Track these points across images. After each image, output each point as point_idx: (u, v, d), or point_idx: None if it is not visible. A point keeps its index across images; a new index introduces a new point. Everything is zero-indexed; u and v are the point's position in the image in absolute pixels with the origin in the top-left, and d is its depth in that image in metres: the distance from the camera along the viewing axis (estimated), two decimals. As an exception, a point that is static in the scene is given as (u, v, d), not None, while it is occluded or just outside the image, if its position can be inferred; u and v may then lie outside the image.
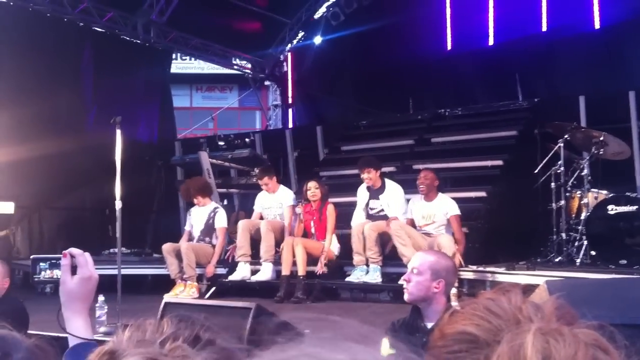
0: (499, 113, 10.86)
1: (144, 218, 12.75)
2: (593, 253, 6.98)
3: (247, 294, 7.76)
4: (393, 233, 7.40)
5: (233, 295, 7.82)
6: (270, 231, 8.15)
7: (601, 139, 7.30)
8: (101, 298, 5.95)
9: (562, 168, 7.44)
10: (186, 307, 4.62)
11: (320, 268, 7.75)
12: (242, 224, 8.40)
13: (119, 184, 6.40)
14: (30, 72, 11.09)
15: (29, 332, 4.21)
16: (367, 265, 7.61)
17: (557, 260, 7.24)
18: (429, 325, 3.29)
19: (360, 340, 0.67)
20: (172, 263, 8.34)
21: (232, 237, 8.83)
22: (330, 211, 8.02)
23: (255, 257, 8.26)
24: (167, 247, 8.50)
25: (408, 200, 8.00)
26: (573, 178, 7.46)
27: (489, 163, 9.45)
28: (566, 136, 7.48)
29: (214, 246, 8.63)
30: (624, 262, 6.68)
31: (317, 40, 15.54)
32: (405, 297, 3.45)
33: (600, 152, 7.32)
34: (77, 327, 1.85)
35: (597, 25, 11.84)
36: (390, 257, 7.66)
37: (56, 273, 2.00)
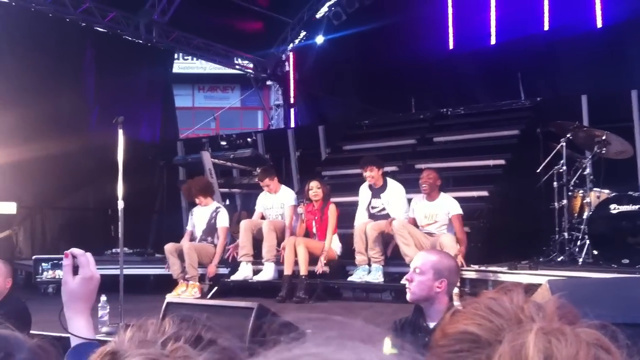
0: (501, 112, 10.84)
1: (147, 218, 12.78)
2: (595, 252, 6.97)
3: (249, 294, 7.76)
4: (396, 232, 7.39)
5: (235, 295, 7.82)
6: (272, 231, 8.16)
7: (603, 138, 7.29)
8: (103, 298, 5.97)
9: (564, 167, 7.43)
10: (188, 307, 4.62)
11: (320, 268, 7.74)
12: (244, 224, 8.40)
13: (121, 184, 6.40)
14: (33, 73, 11.10)
15: (31, 332, 4.22)
16: (369, 264, 7.61)
17: (559, 259, 7.23)
18: (431, 324, 3.29)
19: (363, 340, 0.67)
20: (174, 263, 8.35)
21: (235, 236, 8.84)
22: (332, 211, 8.02)
23: (257, 257, 8.26)
24: (169, 247, 8.51)
25: (410, 199, 8.00)
26: (575, 177, 7.46)
27: (491, 162, 9.43)
28: (568, 135, 7.47)
29: (216, 246, 8.64)
30: (626, 261, 6.67)
31: (319, 39, 15.54)
32: (408, 296, 3.45)
33: (603, 151, 7.31)
34: (78, 327, 1.85)
35: (599, 25, 11.83)
36: (392, 256, 7.66)
37: (58, 273, 2.00)
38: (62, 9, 11.78)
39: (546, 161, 7.63)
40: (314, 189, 8.08)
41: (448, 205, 7.63)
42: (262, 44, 15.66)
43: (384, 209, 7.95)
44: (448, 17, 13.57)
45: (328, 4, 15.02)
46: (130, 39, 13.20)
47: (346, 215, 8.33)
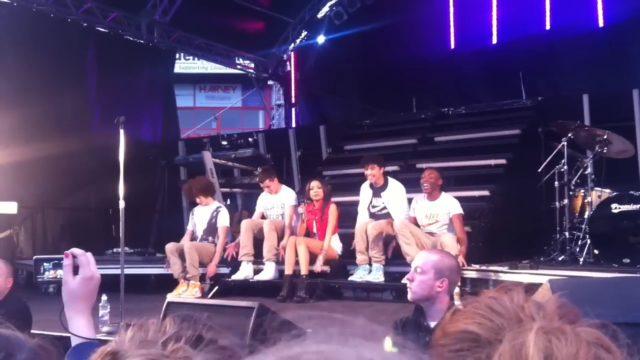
0: (503, 112, 10.84)
1: (148, 218, 12.79)
2: (596, 252, 6.96)
3: (249, 294, 7.76)
4: (397, 232, 7.39)
5: (236, 294, 7.82)
6: (273, 231, 8.16)
7: (605, 137, 7.28)
8: (104, 297, 5.97)
9: (565, 167, 7.43)
10: (189, 307, 4.62)
11: (318, 267, 7.73)
12: (245, 224, 8.40)
13: (123, 184, 6.41)
14: (34, 73, 11.10)
15: (32, 331, 4.22)
16: (370, 264, 7.60)
17: (560, 259, 7.23)
18: (432, 324, 3.29)
19: (365, 338, 0.67)
20: (175, 263, 8.34)
21: (236, 236, 8.83)
22: (332, 211, 8.01)
23: (258, 257, 8.26)
24: (170, 246, 8.51)
25: (410, 199, 7.99)
26: (576, 177, 7.45)
27: (492, 162, 9.43)
28: (570, 135, 7.46)
29: (216, 245, 8.63)
30: (627, 260, 6.67)
31: (320, 39, 15.54)
32: (409, 296, 3.45)
33: (604, 151, 7.31)
34: (79, 327, 1.85)
35: (600, 24, 11.82)
36: (393, 256, 7.66)
37: (59, 273, 2.00)
38: (64, 9, 11.79)
39: (547, 160, 7.62)
40: (315, 188, 8.08)
41: (449, 204, 7.63)
42: (263, 44, 15.66)
43: (384, 208, 7.95)
44: (449, 16, 13.57)
45: (329, 3, 15.02)
46: (131, 39, 13.21)
47: (347, 215, 8.33)
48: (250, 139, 11.33)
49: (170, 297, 7.05)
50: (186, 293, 8.08)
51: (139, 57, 13.39)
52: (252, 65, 16.41)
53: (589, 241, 7.06)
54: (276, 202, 8.61)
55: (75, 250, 1.90)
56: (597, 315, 0.87)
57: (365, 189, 8.16)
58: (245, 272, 8.17)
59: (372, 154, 8.52)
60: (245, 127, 20.75)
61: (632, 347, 0.84)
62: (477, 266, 7.45)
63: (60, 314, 1.89)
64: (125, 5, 12.63)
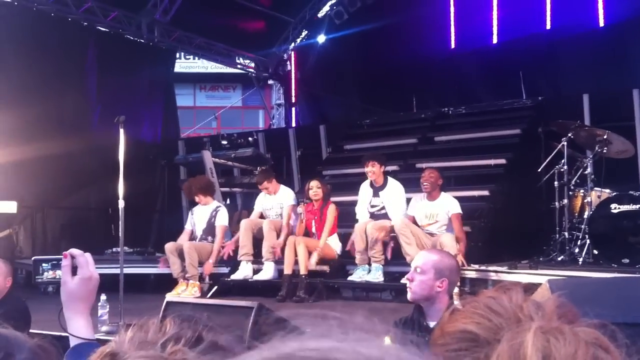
0: (503, 112, 10.84)
1: (147, 217, 12.79)
2: (596, 252, 6.96)
3: (249, 293, 7.75)
4: (398, 231, 7.38)
5: (235, 294, 7.81)
6: (272, 230, 8.16)
7: (605, 137, 7.28)
8: (103, 297, 5.96)
9: (565, 167, 7.43)
10: (188, 306, 4.62)
11: (313, 264, 7.71)
12: (244, 223, 8.40)
13: (122, 183, 6.40)
14: (35, 72, 11.10)
15: (31, 331, 4.23)
16: (370, 264, 7.60)
17: (559, 259, 7.22)
18: (432, 324, 3.28)
19: (364, 337, 0.67)
20: (174, 262, 8.34)
21: (235, 234, 8.83)
22: (331, 210, 8.01)
23: (257, 257, 8.25)
24: (169, 246, 8.50)
25: (409, 199, 7.98)
26: (576, 177, 7.45)
27: (492, 162, 9.43)
28: (570, 135, 7.46)
29: (216, 245, 8.64)
30: (626, 261, 6.67)
31: (321, 39, 15.54)
32: (409, 296, 3.45)
33: (604, 151, 7.31)
34: (78, 327, 1.85)
35: (601, 24, 11.82)
36: (393, 255, 7.65)
37: (58, 274, 2.00)
38: (64, 8, 11.79)
39: (547, 160, 7.62)
40: (314, 188, 8.07)
41: (448, 204, 7.62)
42: (263, 43, 15.66)
43: (383, 208, 7.95)
44: (450, 16, 13.57)
45: (330, 3, 15.01)
46: (132, 38, 13.21)
47: (347, 215, 8.33)
48: (250, 139, 11.32)
49: (170, 296, 7.04)
50: (185, 293, 8.07)
51: (139, 56, 13.40)
52: (253, 64, 16.41)
53: (588, 241, 7.06)
54: (275, 202, 8.61)
55: (74, 251, 1.90)
56: (596, 315, 0.87)
57: (364, 189, 8.15)
58: (244, 271, 8.17)
59: (374, 152, 8.53)
60: (245, 126, 20.74)
61: (631, 347, 0.84)
62: (476, 266, 7.45)
63: (59, 314, 1.89)
64: (125, 4, 12.63)
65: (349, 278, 7.82)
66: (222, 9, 13.70)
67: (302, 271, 7.65)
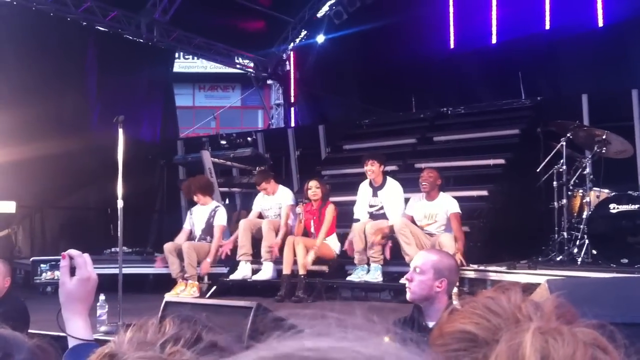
0: (502, 112, 10.84)
1: (146, 217, 12.79)
2: (594, 252, 6.97)
3: (248, 293, 7.75)
4: (398, 231, 7.37)
5: (234, 294, 7.81)
6: (271, 230, 8.15)
7: (604, 137, 7.29)
8: (102, 297, 5.97)
9: (564, 167, 7.43)
10: (187, 307, 4.62)
11: (309, 261, 7.68)
12: (243, 224, 8.39)
13: (121, 183, 6.40)
14: (34, 72, 11.11)
15: (30, 331, 4.22)
16: (369, 264, 7.60)
17: (558, 259, 7.22)
18: (431, 324, 3.29)
19: (363, 336, 0.67)
20: (173, 262, 8.33)
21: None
22: (329, 210, 8.00)
23: (256, 257, 8.25)
24: (168, 246, 8.50)
25: (408, 199, 7.98)
26: (575, 177, 7.45)
27: (491, 162, 9.43)
28: (569, 135, 7.47)
29: (216, 245, 8.63)
30: (625, 261, 6.67)
31: (320, 39, 15.54)
32: (408, 296, 3.45)
33: (603, 151, 7.31)
34: (76, 328, 1.85)
35: (600, 24, 11.83)
36: (392, 255, 7.64)
37: (56, 274, 2.00)
38: (64, 8, 11.79)
39: (546, 160, 7.63)
40: (313, 188, 8.07)
41: (447, 204, 7.61)
42: (263, 43, 15.66)
43: (382, 208, 7.95)
44: (449, 16, 13.58)
45: (329, 3, 15.02)
46: (131, 38, 13.21)
47: (346, 215, 8.32)
48: (249, 139, 11.32)
49: (168, 296, 7.04)
50: (184, 293, 8.07)
51: (138, 56, 13.40)
52: (252, 64, 16.42)
53: (587, 241, 7.06)
54: (273, 203, 8.60)
55: (72, 252, 1.90)
56: (595, 315, 0.87)
57: (363, 188, 8.15)
58: (243, 271, 8.16)
59: (374, 151, 8.54)
60: (244, 126, 20.75)
61: (630, 347, 0.84)
62: (475, 266, 7.44)
63: (58, 315, 1.89)
64: (125, 4, 12.63)
65: (348, 278, 7.81)
66: (221, 8, 13.70)
67: (301, 271, 7.65)
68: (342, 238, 8.12)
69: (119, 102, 12.02)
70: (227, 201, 10.96)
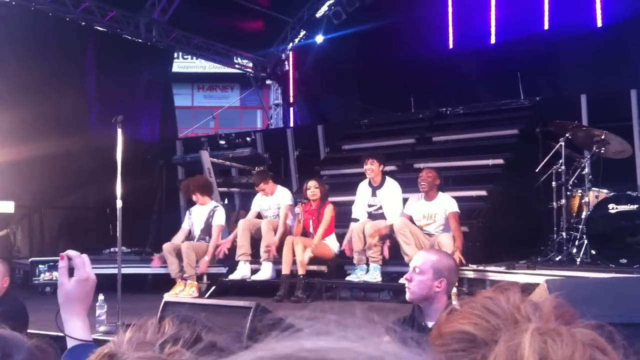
0: (501, 112, 10.84)
1: (145, 217, 12.79)
2: (593, 252, 6.97)
3: (247, 294, 7.76)
4: (397, 231, 7.37)
5: (233, 294, 7.81)
6: (270, 230, 8.15)
7: (602, 137, 7.29)
8: (101, 297, 5.96)
9: (563, 167, 7.44)
10: (186, 306, 4.62)
11: (306, 259, 7.68)
12: (242, 224, 8.39)
13: (120, 183, 6.40)
14: (33, 72, 11.10)
15: (29, 331, 4.22)
16: (368, 264, 7.60)
17: (557, 259, 7.23)
18: (430, 324, 3.29)
19: (363, 335, 0.67)
20: (172, 262, 8.34)
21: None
22: (328, 210, 8.00)
23: (255, 257, 8.25)
24: (167, 246, 8.50)
25: (406, 199, 7.97)
26: (574, 177, 7.46)
27: (490, 162, 9.42)
28: (567, 135, 7.48)
29: (214, 245, 8.63)
30: (624, 261, 6.68)
31: (319, 39, 15.54)
32: (407, 296, 3.45)
33: (602, 151, 7.31)
34: (75, 329, 1.85)
35: (599, 24, 11.84)
36: (391, 255, 7.64)
37: (55, 275, 2.00)
38: (63, 8, 11.78)
39: (545, 161, 7.63)
40: (312, 188, 8.07)
41: (446, 203, 7.61)
42: (262, 43, 15.66)
43: (380, 208, 7.95)
44: (448, 16, 13.58)
45: (328, 3, 15.01)
46: (130, 38, 13.20)
47: (345, 215, 8.32)
48: (248, 139, 11.32)
49: (168, 296, 7.04)
50: (183, 293, 8.07)
51: (137, 56, 13.39)
52: (251, 64, 16.41)
53: (586, 241, 7.07)
54: (272, 203, 8.60)
55: (71, 252, 1.90)
56: (594, 315, 0.86)
57: (362, 188, 8.15)
58: (242, 271, 8.16)
59: (374, 151, 8.54)
60: (243, 126, 20.75)
61: (628, 348, 0.84)
62: (474, 266, 7.44)
63: (56, 315, 1.89)
64: (123, 4, 12.62)
65: (347, 278, 7.82)
66: (220, 8, 13.70)
67: (300, 271, 7.65)
68: (341, 238, 8.12)
69: (118, 102, 12.01)
70: (226, 201, 10.96)
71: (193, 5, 13.23)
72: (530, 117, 9.92)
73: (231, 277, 8.21)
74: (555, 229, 7.45)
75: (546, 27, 12.40)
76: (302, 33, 15.79)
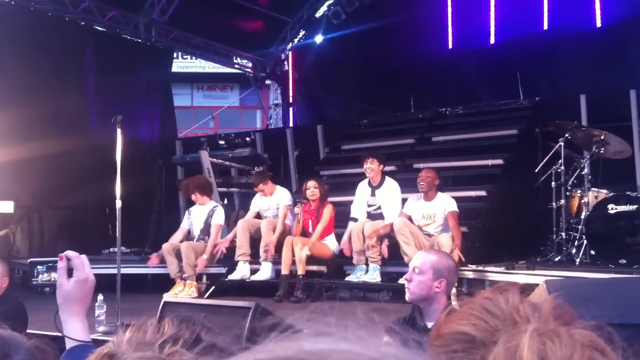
0: (500, 112, 10.85)
1: (145, 217, 12.78)
2: (593, 252, 6.97)
3: (246, 294, 7.76)
4: (397, 231, 7.37)
5: (232, 294, 7.81)
6: (270, 230, 8.15)
7: (602, 137, 7.29)
8: (100, 297, 5.96)
9: (562, 167, 7.44)
10: (185, 307, 4.61)
11: (303, 256, 7.68)
12: (241, 224, 8.38)
13: (120, 183, 6.40)
14: (33, 71, 11.09)
15: (28, 331, 4.22)
16: (367, 264, 7.60)
17: (556, 259, 7.23)
18: (430, 324, 3.28)
19: (362, 336, 0.66)
20: (172, 262, 8.34)
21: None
22: (327, 210, 8.00)
23: (255, 257, 8.25)
24: (167, 246, 8.50)
25: (405, 199, 7.97)
26: (573, 177, 7.46)
27: (489, 162, 9.42)
28: (567, 135, 7.48)
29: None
30: (623, 261, 6.68)
31: (318, 39, 15.54)
32: (407, 296, 3.45)
33: (601, 151, 7.31)
34: (74, 330, 1.85)
35: (598, 24, 11.84)
36: (391, 255, 7.64)
37: (53, 276, 2.00)
38: (62, 7, 11.77)
39: (544, 161, 7.63)
40: (312, 188, 8.07)
41: (445, 203, 7.60)
42: (261, 43, 15.66)
43: (379, 208, 7.95)
44: (447, 16, 13.58)
45: (327, 3, 15.01)
46: (129, 38, 13.20)
47: (344, 215, 8.32)
48: (247, 139, 11.32)
49: (167, 297, 7.04)
50: (183, 293, 8.07)
51: (137, 56, 13.39)
52: (250, 64, 16.41)
53: (585, 242, 7.07)
54: (271, 203, 8.60)
55: (70, 253, 1.90)
56: (593, 316, 0.86)
57: (362, 188, 8.15)
58: (241, 272, 8.16)
59: (375, 150, 8.55)
60: (242, 126, 20.75)
61: (627, 349, 0.84)
62: (473, 266, 7.44)
63: (55, 316, 1.89)
64: (123, 4, 12.62)
65: (347, 278, 7.81)
66: (219, 8, 13.69)
67: (300, 271, 7.65)
68: (341, 238, 8.12)
69: (118, 101, 12.01)
70: (225, 201, 10.95)
71: (192, 5, 13.23)
72: (530, 117, 9.92)
73: (230, 277, 8.21)
74: (554, 229, 7.45)
75: (546, 27, 12.41)
76: (302, 33, 15.79)
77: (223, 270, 8.51)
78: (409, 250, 7.12)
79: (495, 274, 7.15)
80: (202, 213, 8.79)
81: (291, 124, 16.10)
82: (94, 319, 5.84)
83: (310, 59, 15.80)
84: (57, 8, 11.76)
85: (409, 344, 0.68)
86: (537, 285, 2.99)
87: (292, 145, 12.42)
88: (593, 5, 11.85)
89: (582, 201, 7.32)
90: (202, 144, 11.08)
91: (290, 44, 15.98)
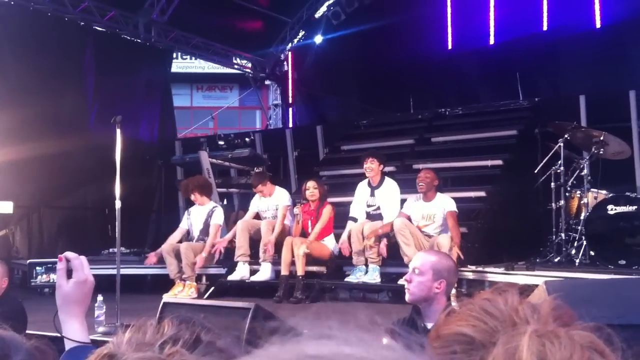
0: (500, 112, 10.85)
1: (144, 218, 12.78)
2: (592, 253, 6.97)
3: (246, 294, 7.75)
4: (397, 231, 7.36)
5: (232, 295, 7.81)
6: (269, 231, 8.14)
7: (601, 138, 7.29)
8: (100, 298, 5.96)
9: (562, 168, 7.43)
10: (185, 307, 4.61)
11: (301, 253, 7.67)
12: (241, 224, 8.38)
13: (119, 183, 6.39)
14: (32, 72, 11.09)
15: (28, 332, 4.22)
16: (367, 265, 7.59)
17: (556, 260, 7.23)
18: (429, 325, 3.28)
19: (364, 338, 0.66)
20: (171, 263, 8.33)
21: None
22: (326, 211, 8.00)
23: (254, 257, 8.24)
24: (166, 247, 8.50)
25: (404, 200, 7.96)
26: (573, 178, 7.46)
27: (489, 163, 9.43)
28: (566, 136, 7.47)
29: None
30: (623, 262, 6.67)
31: (318, 39, 15.54)
32: (407, 297, 3.45)
33: (601, 152, 7.31)
34: (73, 331, 1.85)
35: (598, 25, 11.85)
36: (390, 256, 7.64)
37: (52, 277, 2.00)
38: (61, 8, 11.77)
39: (544, 161, 7.63)
40: (311, 189, 8.07)
41: (445, 203, 7.59)
42: (261, 44, 15.66)
43: (379, 208, 7.95)
44: (447, 16, 13.58)
45: (327, 3, 15.02)
46: (129, 38, 13.20)
47: (344, 216, 8.31)
48: (247, 139, 11.32)
49: (167, 297, 7.04)
50: (182, 293, 8.07)
51: (136, 56, 13.39)
52: (250, 65, 16.42)
53: (585, 242, 7.06)
54: (270, 204, 8.59)
55: (69, 254, 1.90)
56: (593, 317, 0.86)
57: (361, 188, 8.14)
58: (241, 272, 8.16)
59: (375, 150, 8.55)
60: (242, 127, 20.75)
61: (627, 351, 0.84)
62: (473, 267, 7.44)
63: (54, 317, 1.89)
64: (122, 4, 12.62)
65: (346, 279, 7.81)
66: (219, 8, 13.70)
67: (299, 272, 7.65)
68: (340, 238, 8.11)
69: (117, 102, 12.01)
70: (225, 202, 10.95)
71: (192, 5, 13.24)
72: (529, 118, 9.92)
73: (230, 277, 8.21)
74: (554, 230, 7.44)
75: (545, 27, 12.41)
76: (301, 33, 15.79)
77: (223, 270, 8.51)
78: (408, 250, 7.12)
79: (495, 274, 7.15)
80: (201, 213, 8.79)
81: (291, 125, 16.10)
82: (94, 319, 5.83)
83: (309, 60, 15.80)
84: (56, 8, 11.76)
85: (410, 346, 0.68)
86: (536, 286, 3.00)
87: (291, 146, 12.43)
88: (593, 5, 11.86)
89: (582, 202, 7.32)
90: (201, 145, 11.08)
91: (289, 45, 15.98)
